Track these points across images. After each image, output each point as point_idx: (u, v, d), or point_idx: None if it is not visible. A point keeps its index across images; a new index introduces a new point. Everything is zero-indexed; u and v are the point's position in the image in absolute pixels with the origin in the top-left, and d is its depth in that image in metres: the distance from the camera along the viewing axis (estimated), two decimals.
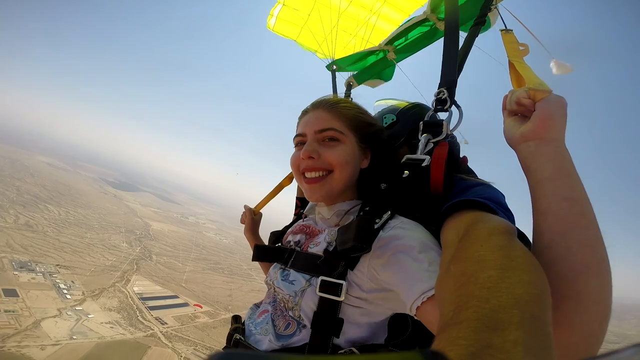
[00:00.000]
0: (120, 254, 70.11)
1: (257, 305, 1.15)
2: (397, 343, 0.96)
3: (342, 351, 0.88)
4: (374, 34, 2.10)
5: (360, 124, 1.09)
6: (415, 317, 0.75)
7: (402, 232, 0.84)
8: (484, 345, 0.33)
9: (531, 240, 0.71)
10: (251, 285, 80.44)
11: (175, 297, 59.88)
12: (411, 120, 1.23)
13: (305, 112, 1.15)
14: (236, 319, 1.19)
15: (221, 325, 54.12)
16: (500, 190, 0.89)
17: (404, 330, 0.97)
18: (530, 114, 0.77)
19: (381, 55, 1.96)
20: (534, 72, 0.90)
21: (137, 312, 48.78)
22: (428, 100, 1.18)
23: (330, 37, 2.15)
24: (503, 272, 0.44)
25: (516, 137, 0.78)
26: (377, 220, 0.86)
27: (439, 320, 0.50)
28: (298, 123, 1.16)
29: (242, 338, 1.02)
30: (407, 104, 1.32)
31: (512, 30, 1.16)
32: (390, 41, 1.85)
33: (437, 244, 0.82)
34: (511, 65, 1.01)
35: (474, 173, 1.10)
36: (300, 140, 1.10)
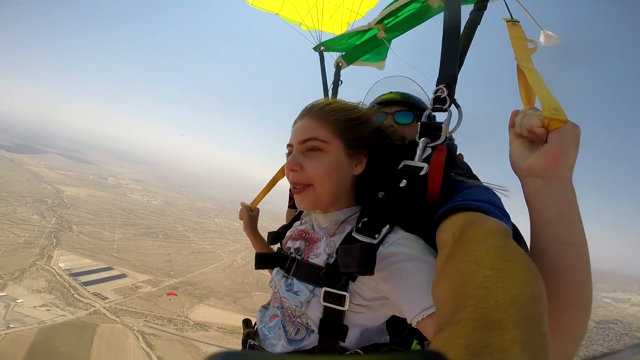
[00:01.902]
0: (33, 228, 64.28)
1: (265, 307, 1.22)
2: (397, 342, 1.06)
3: (348, 352, 0.97)
4: (363, 5, 2.11)
5: (349, 128, 1.06)
6: (415, 327, 0.81)
7: (402, 249, 0.87)
8: (482, 344, 0.34)
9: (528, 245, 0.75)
10: (190, 248, 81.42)
11: (110, 268, 58.62)
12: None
13: (295, 121, 1.15)
14: (247, 322, 1.29)
15: (166, 293, 55.85)
16: (496, 190, 0.91)
17: (403, 328, 1.08)
18: (541, 143, 0.75)
19: (371, 34, 1.94)
20: (547, 86, 0.85)
21: (71, 289, 47.51)
22: (423, 89, 1.28)
23: (315, 9, 2.10)
24: (499, 272, 0.46)
25: (523, 168, 0.77)
26: (376, 236, 0.89)
27: (436, 320, 0.53)
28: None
29: (257, 343, 1.11)
30: (403, 95, 1.36)
31: (519, 22, 1.10)
32: (381, 20, 1.81)
33: (436, 256, 0.83)
34: (520, 71, 0.95)
35: (470, 168, 1.15)
36: (290, 150, 1.12)
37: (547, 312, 0.42)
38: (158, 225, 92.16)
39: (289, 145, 1.13)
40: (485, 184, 0.97)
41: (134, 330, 42.81)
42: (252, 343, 1.12)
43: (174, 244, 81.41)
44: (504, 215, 0.78)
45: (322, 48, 2.11)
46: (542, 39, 1.21)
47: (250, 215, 1.86)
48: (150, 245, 76.61)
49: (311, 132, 1.06)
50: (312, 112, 1.10)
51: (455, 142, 1.07)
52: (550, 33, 1.22)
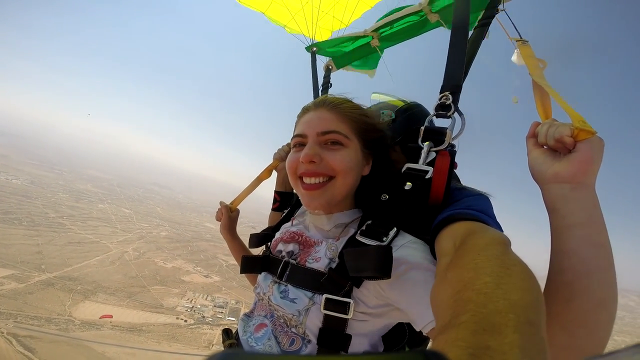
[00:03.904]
0: None
1: (247, 316, 1.16)
2: (397, 349, 1.06)
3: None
4: (351, 15, 2.20)
5: (366, 128, 1.09)
6: (426, 335, 0.81)
7: (411, 253, 0.86)
8: (482, 347, 0.35)
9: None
10: (67, 237, 70.56)
11: None
12: (409, 121, 1.24)
13: (306, 111, 1.13)
14: (227, 333, 1.24)
15: (38, 290, 47.89)
16: (490, 199, 0.93)
17: (402, 337, 1.08)
18: (565, 152, 0.79)
19: (365, 41, 1.97)
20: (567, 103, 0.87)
21: None
22: (414, 98, 1.26)
23: (301, 13, 2.16)
24: (499, 279, 0.47)
25: (548, 175, 0.80)
26: (384, 239, 0.89)
27: (436, 324, 0.54)
28: (297, 122, 1.15)
29: None
30: (405, 103, 1.34)
31: (528, 42, 1.16)
32: (376, 29, 1.83)
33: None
34: (537, 88, 1.00)
35: (458, 178, 1.18)
36: (299, 142, 1.08)
37: (545, 317, 0.43)
38: (21, 210, 76.96)
39: (299, 136, 1.09)
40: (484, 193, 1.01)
41: (2, 333, 36.04)
42: None
43: (45, 233, 69.34)
44: (499, 227, 0.82)
45: (314, 49, 2.16)
46: (514, 57, 1.26)
47: (229, 216, 1.72)
48: (11, 234, 63.86)
49: (333, 124, 1.05)
50: (330, 105, 1.09)
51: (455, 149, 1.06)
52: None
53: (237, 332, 1.19)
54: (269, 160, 1.73)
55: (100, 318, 44.52)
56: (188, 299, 54.28)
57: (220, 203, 1.79)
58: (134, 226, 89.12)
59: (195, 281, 63.27)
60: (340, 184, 1.04)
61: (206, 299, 56.29)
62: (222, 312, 52.77)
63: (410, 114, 1.29)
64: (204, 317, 49.95)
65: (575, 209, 0.75)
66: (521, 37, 1.18)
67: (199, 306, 52.79)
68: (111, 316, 45.06)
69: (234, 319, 51.43)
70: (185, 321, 47.92)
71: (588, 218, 0.74)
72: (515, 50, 1.21)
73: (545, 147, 0.86)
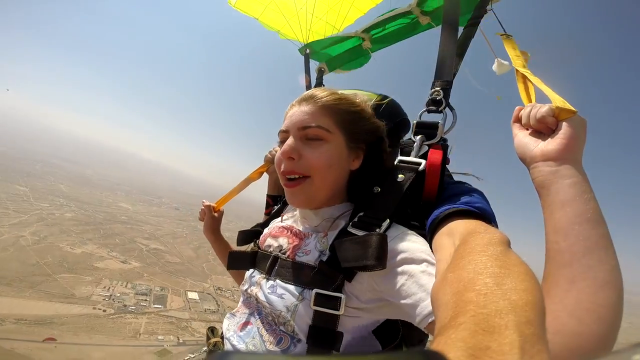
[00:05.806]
0: None
1: (232, 314, 1.14)
2: (391, 348, 1.02)
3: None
4: (344, 21, 2.24)
5: (352, 120, 1.06)
6: (424, 330, 0.76)
7: (406, 245, 0.84)
8: (482, 347, 0.35)
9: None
10: None
11: None
12: (388, 116, 1.22)
13: (291, 106, 1.11)
14: (212, 331, 1.22)
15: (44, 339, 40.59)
16: (472, 177, 0.97)
17: (395, 335, 1.03)
18: (548, 132, 0.81)
19: (357, 42, 1.99)
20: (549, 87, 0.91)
21: None
22: (410, 100, 1.52)
23: (296, 19, 2.19)
24: (499, 279, 0.47)
25: (534, 154, 0.81)
26: (377, 230, 0.86)
27: (436, 324, 0.53)
28: (284, 117, 1.13)
29: None
30: (377, 96, 1.31)
31: (512, 36, 1.19)
32: (367, 29, 1.85)
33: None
34: (520, 76, 1.02)
35: (451, 175, 1.18)
36: (283, 137, 1.08)
37: (545, 317, 0.43)
38: None
39: (282, 132, 1.09)
40: (463, 175, 1.04)
41: None
42: None
43: None
44: (497, 226, 0.81)
45: (307, 51, 2.19)
46: (495, 66, 1.29)
47: (213, 216, 1.70)
48: None
49: (314, 119, 1.02)
50: (314, 99, 1.06)
51: (447, 143, 1.05)
52: (504, 61, 1.34)
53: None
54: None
55: (43, 341, 37.00)
56: (105, 287, 50.69)
57: (203, 202, 1.76)
58: (30, 206, 78.19)
59: (111, 267, 58.84)
60: (319, 181, 1.02)
61: (126, 286, 53.05)
62: (146, 300, 50.55)
63: (387, 108, 1.28)
64: (125, 305, 47.35)
65: (564, 185, 0.74)
66: (505, 32, 1.23)
67: (118, 294, 49.70)
68: (55, 339, 38.12)
69: (160, 306, 50.14)
70: (104, 311, 45.03)
71: (579, 194, 0.72)
72: (496, 60, 1.28)
73: (529, 129, 0.87)
